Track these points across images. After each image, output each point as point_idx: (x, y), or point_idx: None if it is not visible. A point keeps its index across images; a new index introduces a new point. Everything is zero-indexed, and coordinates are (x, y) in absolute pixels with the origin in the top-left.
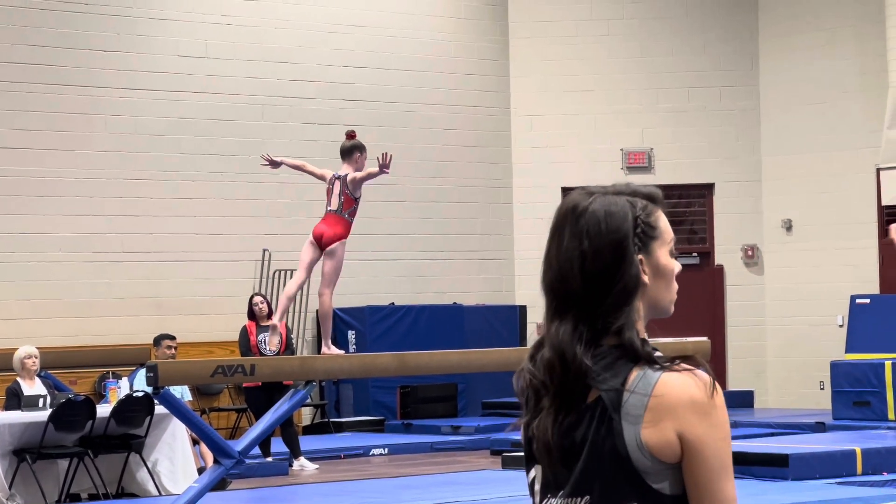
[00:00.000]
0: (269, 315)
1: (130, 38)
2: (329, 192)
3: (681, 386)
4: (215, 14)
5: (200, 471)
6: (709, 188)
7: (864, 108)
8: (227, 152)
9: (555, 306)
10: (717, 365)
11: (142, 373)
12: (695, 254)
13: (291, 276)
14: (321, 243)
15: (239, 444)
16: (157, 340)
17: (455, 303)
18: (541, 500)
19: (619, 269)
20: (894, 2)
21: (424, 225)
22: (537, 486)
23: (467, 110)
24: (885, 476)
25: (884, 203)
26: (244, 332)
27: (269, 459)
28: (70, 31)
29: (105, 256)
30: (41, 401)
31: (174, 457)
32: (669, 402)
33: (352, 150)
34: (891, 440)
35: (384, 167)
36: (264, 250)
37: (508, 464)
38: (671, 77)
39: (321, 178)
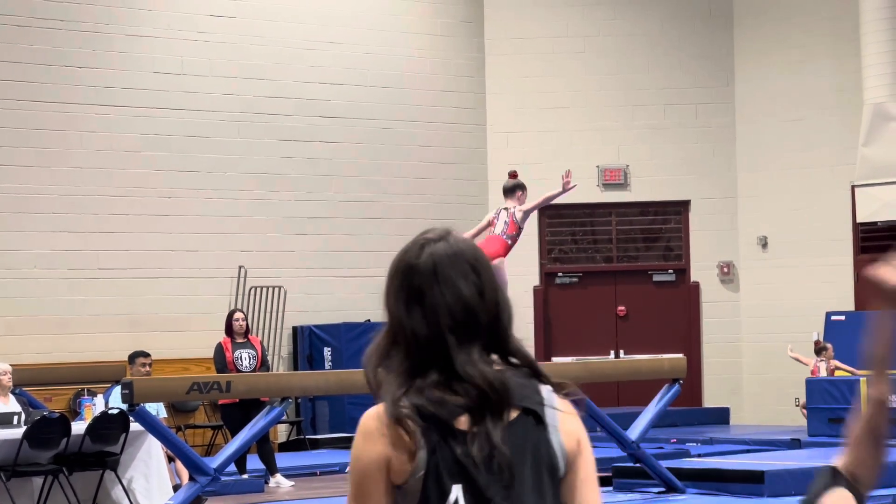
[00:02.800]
0: (248, 332)
1: (106, 54)
2: (495, 220)
3: (561, 397)
4: (191, 31)
5: (176, 488)
6: (685, 205)
7: (840, 125)
8: (203, 169)
9: (458, 342)
10: (692, 381)
11: (117, 390)
12: (670, 270)
13: (266, 293)
14: None
15: (214, 461)
16: (132, 358)
17: None
18: None
19: (503, 296)
20: (869, 19)
21: (400, 241)
22: (462, 503)
23: (443, 127)
24: None
25: (859, 220)
26: (220, 349)
27: (245, 476)
28: (46, 47)
29: (80, 273)
30: (15, 418)
31: (149, 474)
32: (568, 413)
33: (514, 189)
34: None
35: (566, 186)
36: (240, 267)
37: None
38: (647, 94)
39: (488, 223)
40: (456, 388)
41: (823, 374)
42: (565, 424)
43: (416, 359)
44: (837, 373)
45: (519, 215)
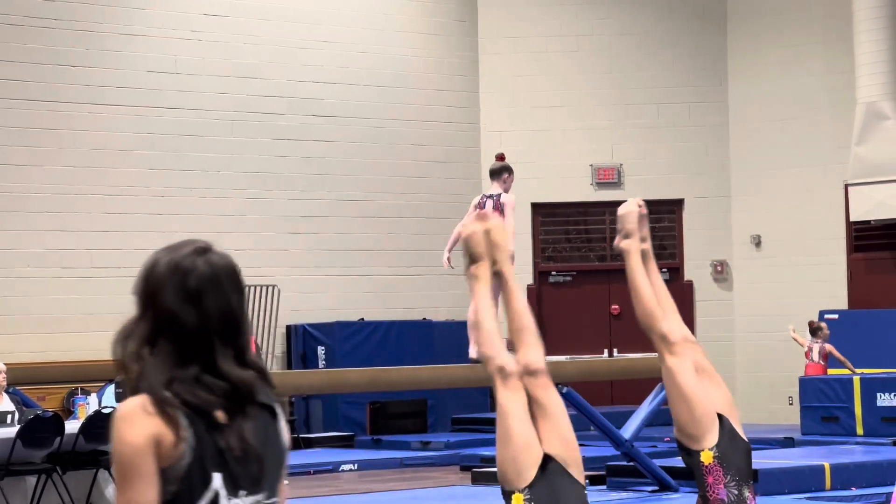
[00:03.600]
0: None
1: (99, 53)
2: (480, 209)
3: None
4: (185, 30)
5: None
6: (678, 204)
7: (833, 124)
8: (196, 168)
9: (222, 343)
10: None
11: (111, 389)
12: (664, 269)
13: (260, 292)
14: None
15: None
16: None
17: (425, 318)
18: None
19: (247, 315)
20: (862, 18)
21: (394, 240)
22: (222, 492)
23: (437, 126)
24: (854, 491)
25: (852, 219)
26: None
27: None
28: (39, 46)
29: (74, 272)
30: (9, 417)
31: None
32: (285, 414)
33: (501, 171)
34: (859, 455)
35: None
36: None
37: (478, 479)
38: (641, 93)
39: (475, 210)
40: (211, 383)
41: (816, 356)
42: (284, 422)
43: (181, 352)
44: (835, 366)
45: (507, 210)
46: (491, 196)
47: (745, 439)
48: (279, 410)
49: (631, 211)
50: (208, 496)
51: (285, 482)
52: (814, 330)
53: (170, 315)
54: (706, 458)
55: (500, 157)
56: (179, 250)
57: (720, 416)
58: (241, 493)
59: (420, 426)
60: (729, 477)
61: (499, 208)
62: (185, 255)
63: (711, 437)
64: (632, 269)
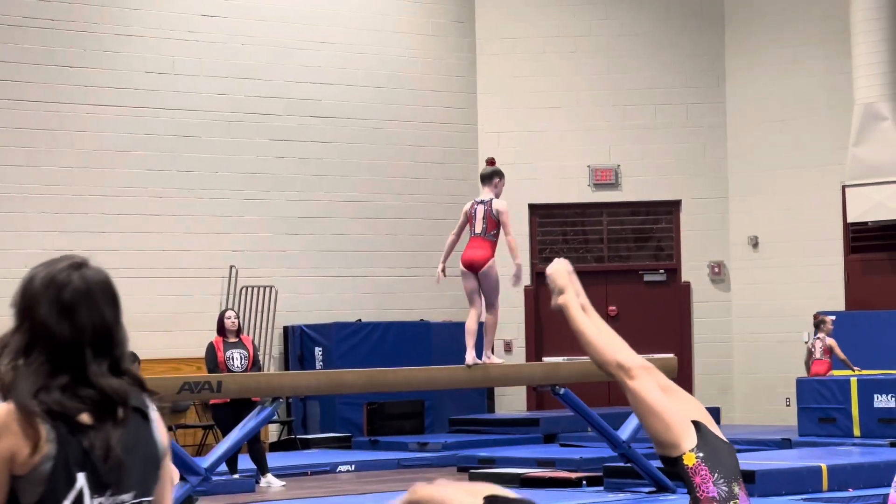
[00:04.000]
0: (240, 331)
1: (96, 53)
2: (472, 217)
3: (155, 406)
4: (182, 30)
5: None
6: (676, 205)
7: (831, 125)
8: (193, 168)
9: (94, 355)
10: (683, 381)
11: None
12: (661, 270)
13: (257, 293)
14: (473, 269)
15: (205, 461)
16: None
17: (422, 319)
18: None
19: (124, 328)
20: (860, 20)
21: (391, 241)
22: (86, 491)
23: (434, 127)
24: (851, 492)
25: (849, 220)
26: (211, 348)
27: (236, 476)
28: (36, 46)
29: None
30: None
31: None
32: (161, 417)
33: (492, 176)
34: (856, 456)
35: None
36: (231, 267)
37: (476, 480)
38: (638, 94)
39: (466, 218)
40: (80, 391)
41: (818, 352)
42: (160, 425)
43: (54, 363)
44: (840, 367)
45: (502, 218)
46: (482, 202)
47: (726, 441)
48: (152, 414)
49: (558, 269)
50: (73, 495)
51: (175, 482)
52: (817, 324)
53: (44, 328)
54: (689, 459)
55: (491, 162)
56: (55, 265)
57: (695, 422)
58: (107, 492)
59: (417, 427)
60: (717, 475)
61: (491, 215)
62: (61, 270)
63: (689, 440)
64: (573, 318)
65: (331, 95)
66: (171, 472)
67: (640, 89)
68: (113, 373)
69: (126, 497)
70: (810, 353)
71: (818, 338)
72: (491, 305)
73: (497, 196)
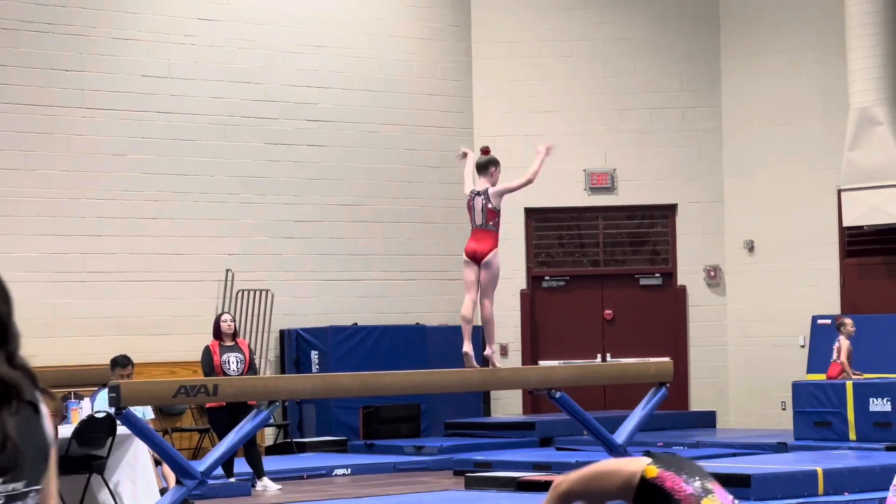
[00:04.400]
0: (236, 334)
1: (93, 57)
2: (471, 209)
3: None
4: (178, 34)
5: (163, 491)
6: (671, 209)
7: (826, 129)
8: (189, 172)
9: None
10: (679, 385)
11: (104, 393)
12: (657, 274)
13: (253, 296)
14: (476, 259)
15: (201, 465)
16: (112, 365)
17: (418, 323)
18: None
19: (13, 314)
20: (855, 24)
21: (387, 245)
22: None
23: (430, 131)
24: (847, 496)
25: (845, 224)
26: (207, 352)
27: (232, 480)
28: (32, 50)
29: (67, 276)
30: None
31: (136, 478)
32: (49, 410)
33: (487, 165)
34: (852, 460)
35: (541, 157)
36: (227, 270)
37: (471, 484)
38: (634, 98)
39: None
40: None
41: (834, 353)
42: (48, 419)
43: None
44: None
45: (494, 201)
46: (479, 193)
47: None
48: (42, 407)
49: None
50: None
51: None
52: (837, 326)
53: None
54: (650, 472)
55: (486, 151)
56: None
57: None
58: (3, 477)
59: (413, 431)
60: (685, 475)
61: (489, 206)
62: None
63: (637, 462)
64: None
65: (327, 99)
66: (56, 465)
67: (636, 93)
68: (10, 365)
69: (19, 485)
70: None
71: (838, 340)
72: (486, 297)
73: (493, 185)
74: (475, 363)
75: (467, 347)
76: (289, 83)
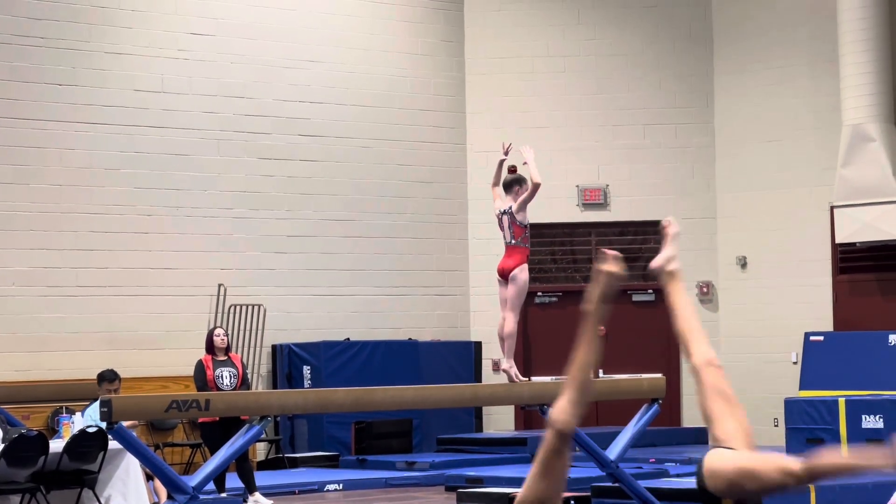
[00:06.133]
0: (228, 349)
1: (86, 71)
2: (501, 227)
3: None
4: (171, 49)
5: None
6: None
7: (819, 145)
8: (182, 187)
9: None
10: (671, 401)
11: (95, 407)
12: (650, 290)
13: (246, 311)
14: (504, 275)
15: (193, 480)
16: (99, 380)
17: (410, 338)
18: None
19: None
20: (848, 41)
21: (380, 260)
22: None
23: (423, 146)
24: None
25: (837, 241)
26: (200, 366)
27: (224, 495)
28: (25, 64)
29: (59, 290)
30: None
31: (127, 492)
32: None
33: (512, 184)
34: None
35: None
36: (220, 285)
37: (463, 500)
38: (627, 114)
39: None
40: None
41: None
42: None
43: None
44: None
45: (518, 217)
46: (505, 212)
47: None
48: None
49: (676, 226)
50: None
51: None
52: None
53: None
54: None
55: (513, 170)
56: None
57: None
58: None
59: (405, 446)
60: None
61: (515, 223)
62: None
63: None
64: (677, 293)
65: (320, 114)
66: None
67: (629, 109)
68: None
69: None
70: None
71: None
72: (511, 310)
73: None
74: (516, 378)
75: (506, 365)
76: (281, 98)
